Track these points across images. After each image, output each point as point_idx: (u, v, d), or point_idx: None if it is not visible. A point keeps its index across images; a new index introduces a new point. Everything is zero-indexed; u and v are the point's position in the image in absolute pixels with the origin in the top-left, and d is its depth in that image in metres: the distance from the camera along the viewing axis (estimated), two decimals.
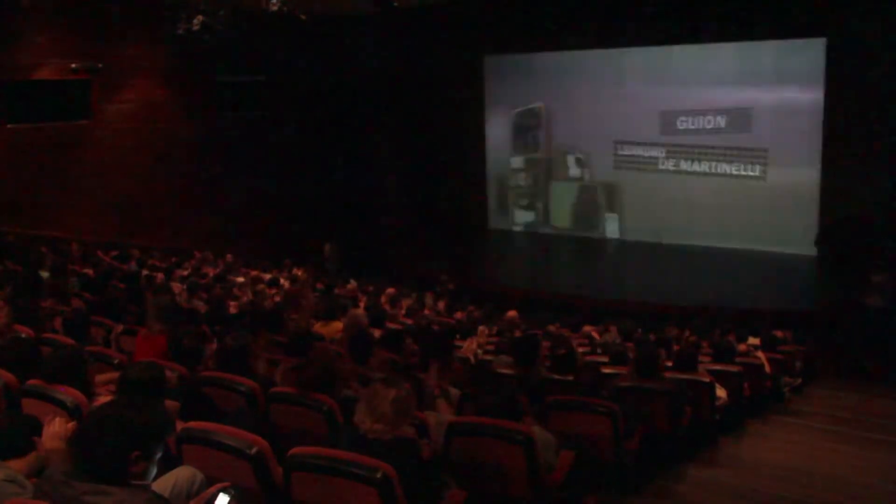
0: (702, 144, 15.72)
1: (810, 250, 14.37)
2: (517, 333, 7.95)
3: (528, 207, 18.35)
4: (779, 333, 9.64)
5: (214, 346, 5.04)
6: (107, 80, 13.84)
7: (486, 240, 18.60)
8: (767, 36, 14.63)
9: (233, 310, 7.85)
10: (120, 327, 6.01)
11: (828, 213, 14.23)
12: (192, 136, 15.39)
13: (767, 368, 7.83)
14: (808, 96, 14.36)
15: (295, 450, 3.11)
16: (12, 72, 12.65)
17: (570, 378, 5.35)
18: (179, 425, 3.40)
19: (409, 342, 6.63)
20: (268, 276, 11.38)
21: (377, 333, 6.46)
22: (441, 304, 11.78)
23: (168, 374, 3.82)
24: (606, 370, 6.09)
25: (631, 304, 13.06)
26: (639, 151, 16.54)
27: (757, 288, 13.58)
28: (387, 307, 9.35)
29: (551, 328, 9.94)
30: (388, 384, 3.22)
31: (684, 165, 16.00)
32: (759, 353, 8.11)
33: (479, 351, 7.07)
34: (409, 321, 8.88)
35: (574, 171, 17.56)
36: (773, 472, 5.52)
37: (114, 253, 11.84)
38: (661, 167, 16.28)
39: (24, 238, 11.78)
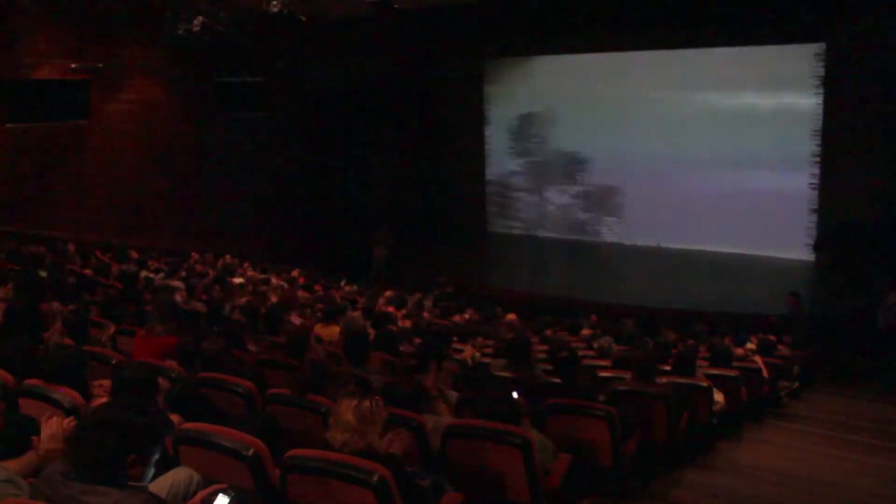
0: (700, 148, 15.74)
1: (809, 255, 14.40)
2: (509, 336, 7.95)
3: (527, 210, 18.36)
4: (772, 337, 9.65)
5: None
6: (106, 80, 13.84)
7: (486, 243, 18.60)
8: (767, 41, 14.66)
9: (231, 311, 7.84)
10: (119, 328, 6.01)
11: (826, 217, 14.26)
12: (192, 137, 15.39)
13: (765, 373, 7.83)
14: (807, 101, 14.40)
15: (292, 452, 3.11)
16: (12, 71, 12.65)
17: (568, 381, 5.35)
18: (177, 425, 3.40)
19: (406, 344, 6.65)
20: (262, 277, 11.38)
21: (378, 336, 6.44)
22: (435, 307, 11.78)
23: (161, 381, 3.82)
24: (605, 374, 6.10)
25: (629, 307, 13.06)
26: (638, 155, 16.54)
27: (755, 292, 13.59)
28: (385, 309, 9.35)
29: (549, 332, 9.95)
30: (352, 395, 3.21)
31: (683, 169, 16.01)
32: (757, 358, 8.12)
33: (478, 354, 7.08)
34: (408, 323, 8.88)
35: (572, 174, 17.57)
36: (771, 476, 5.53)
37: (112, 253, 11.83)
38: (660, 171, 16.29)
39: (23, 237, 11.77)
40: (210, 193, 15.59)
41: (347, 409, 3.14)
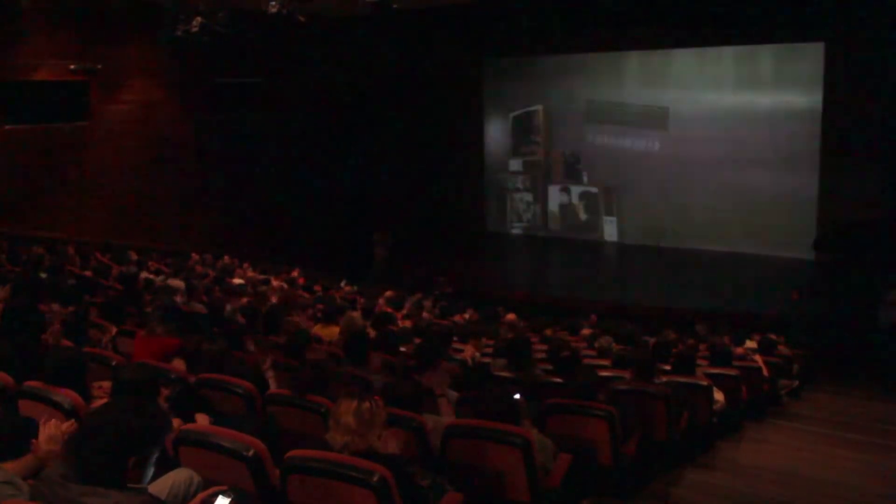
0: (700, 147, 15.74)
1: (809, 254, 14.40)
2: (509, 335, 7.95)
3: (527, 210, 18.36)
4: (773, 336, 9.65)
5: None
6: (105, 81, 13.82)
7: (485, 242, 18.60)
8: (766, 40, 14.67)
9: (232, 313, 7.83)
10: (119, 329, 6.00)
11: (826, 216, 14.26)
12: (191, 138, 15.38)
13: (765, 372, 7.84)
14: (807, 100, 14.41)
15: (292, 452, 3.11)
16: (11, 72, 12.62)
17: (568, 380, 5.35)
18: (177, 427, 3.40)
19: (407, 344, 6.65)
20: (262, 278, 11.37)
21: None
22: (437, 305, 11.77)
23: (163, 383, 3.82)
24: (605, 373, 6.09)
25: (629, 307, 13.07)
26: (637, 154, 16.55)
27: (755, 292, 13.60)
28: (385, 309, 9.34)
29: (549, 332, 9.94)
30: (351, 397, 3.19)
31: (683, 168, 16.01)
32: (757, 357, 8.12)
33: (478, 354, 7.07)
34: (409, 324, 8.87)
35: (572, 174, 17.58)
36: (771, 475, 5.53)
37: (112, 254, 11.83)
38: (659, 170, 16.30)
39: (22, 239, 11.76)
40: (210, 193, 15.58)
41: (347, 412, 3.13)
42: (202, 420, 3.64)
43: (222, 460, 3.13)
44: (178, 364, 4.60)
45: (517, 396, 4.26)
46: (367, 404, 3.16)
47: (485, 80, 18.37)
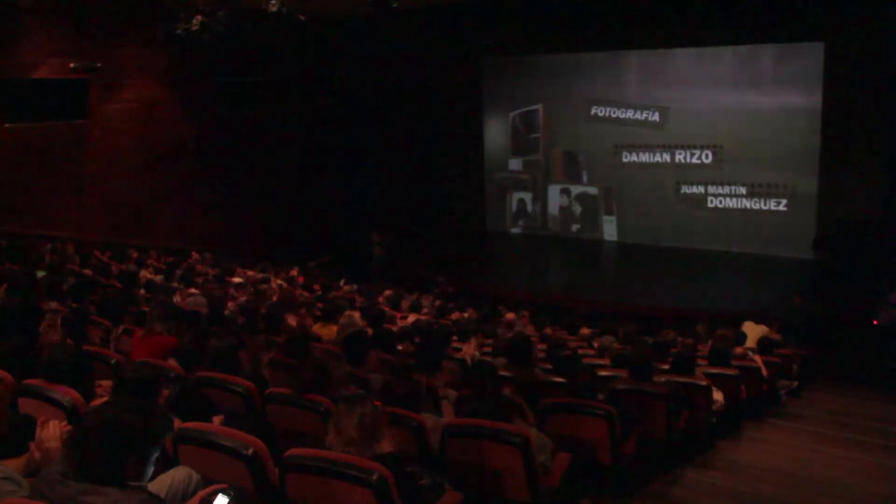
0: (700, 146, 15.75)
1: (808, 254, 14.40)
2: (508, 335, 7.95)
3: (526, 209, 18.36)
4: (774, 335, 9.65)
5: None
6: (106, 79, 13.81)
7: (484, 242, 18.60)
8: (766, 39, 14.68)
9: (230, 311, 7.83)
10: (119, 328, 6.01)
11: (826, 216, 14.27)
12: (191, 137, 15.37)
13: (764, 372, 7.84)
14: (807, 100, 14.41)
15: (291, 451, 3.11)
16: (11, 71, 12.62)
17: (567, 380, 5.36)
18: (176, 425, 3.40)
19: (406, 343, 6.66)
20: (261, 277, 11.37)
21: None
22: (436, 305, 11.77)
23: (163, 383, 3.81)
24: (605, 373, 6.10)
25: (629, 306, 13.08)
26: (637, 154, 16.56)
27: (755, 292, 13.60)
28: (385, 308, 9.35)
29: (548, 331, 9.95)
30: (352, 405, 3.15)
31: (683, 167, 16.02)
32: (756, 357, 8.12)
33: (477, 353, 7.08)
34: (409, 322, 8.87)
35: (572, 173, 17.58)
36: (770, 475, 5.53)
37: (112, 253, 11.83)
38: (659, 170, 16.30)
39: (22, 238, 11.76)
40: (210, 193, 15.58)
41: (349, 424, 3.09)
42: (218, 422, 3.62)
43: (222, 459, 3.13)
44: (173, 363, 4.60)
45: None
46: (367, 413, 3.12)
47: (484, 78, 18.36)
